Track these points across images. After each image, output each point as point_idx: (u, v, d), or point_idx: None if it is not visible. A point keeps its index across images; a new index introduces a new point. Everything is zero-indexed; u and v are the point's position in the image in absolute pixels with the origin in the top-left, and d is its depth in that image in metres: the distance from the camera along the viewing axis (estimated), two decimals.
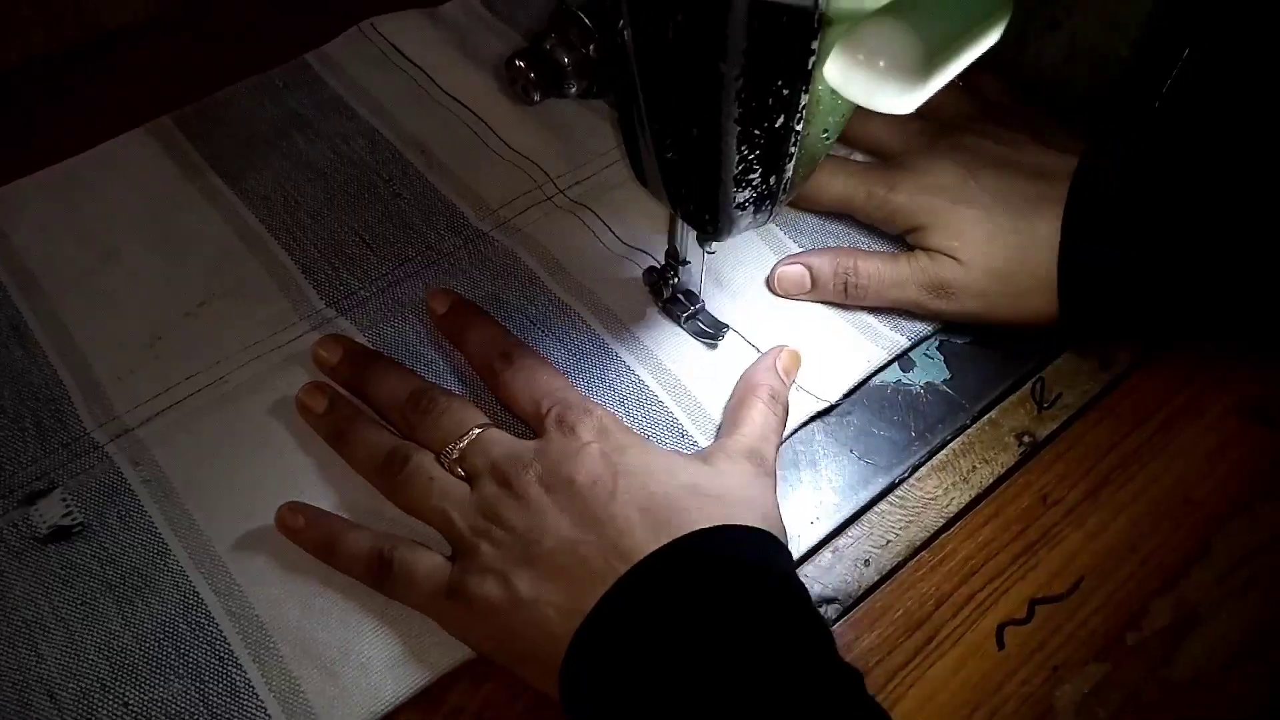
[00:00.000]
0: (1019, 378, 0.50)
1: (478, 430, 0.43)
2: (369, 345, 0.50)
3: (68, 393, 0.48)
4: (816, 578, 0.44)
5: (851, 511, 0.45)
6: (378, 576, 0.41)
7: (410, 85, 0.62)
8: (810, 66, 0.34)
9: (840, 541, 0.45)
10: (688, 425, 0.48)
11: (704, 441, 0.47)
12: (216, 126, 0.60)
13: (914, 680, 0.41)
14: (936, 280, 0.49)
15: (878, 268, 0.50)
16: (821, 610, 0.43)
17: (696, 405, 0.48)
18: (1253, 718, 0.42)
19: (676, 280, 0.50)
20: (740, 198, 0.39)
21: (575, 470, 0.40)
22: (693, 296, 0.51)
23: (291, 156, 0.58)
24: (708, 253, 0.46)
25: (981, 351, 0.51)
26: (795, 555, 0.44)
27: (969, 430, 0.48)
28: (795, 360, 0.48)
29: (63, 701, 0.39)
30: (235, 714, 0.39)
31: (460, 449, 0.43)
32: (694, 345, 0.50)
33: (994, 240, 0.48)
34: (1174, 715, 0.41)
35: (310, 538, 0.42)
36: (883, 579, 0.44)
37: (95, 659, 0.40)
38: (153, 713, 0.39)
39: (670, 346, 0.51)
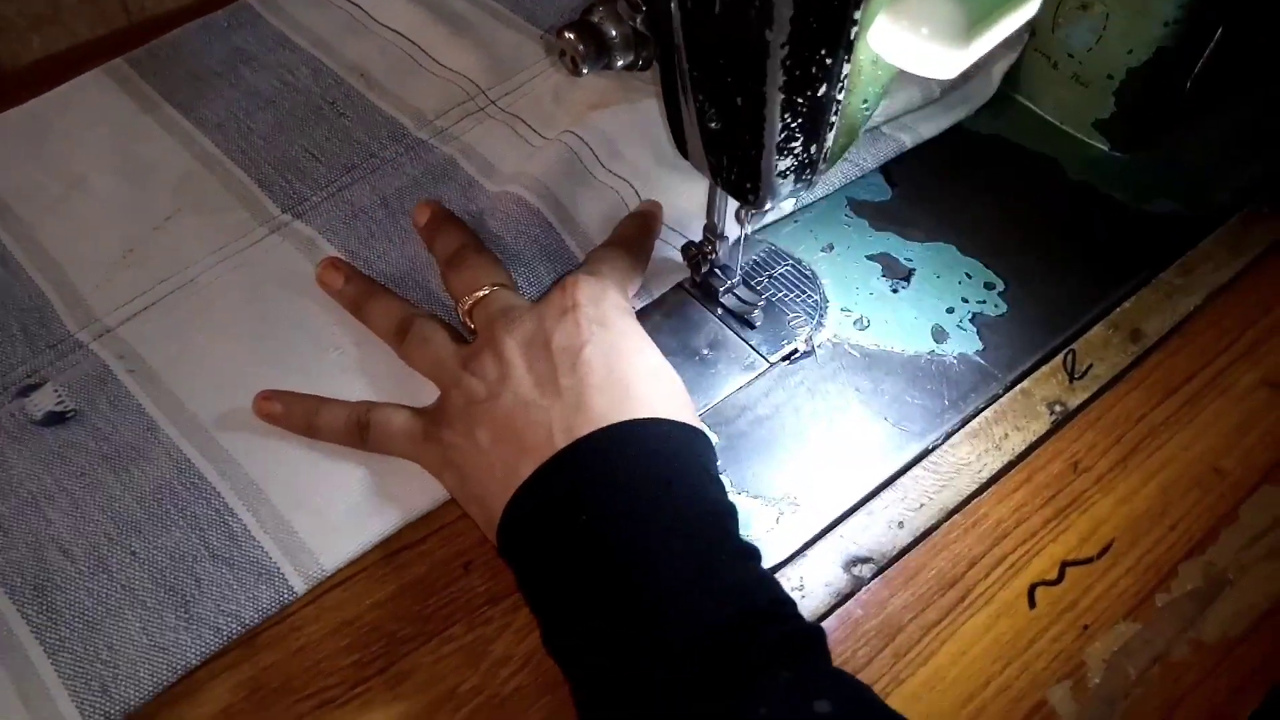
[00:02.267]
0: (1051, 349, 0.51)
1: (490, 288, 0.47)
2: (321, 239, 0.55)
3: (50, 302, 0.52)
4: (851, 538, 0.45)
5: (886, 476, 0.46)
6: (359, 436, 0.45)
7: (347, 19, 0.67)
8: (853, 36, 0.35)
9: (875, 504, 0.46)
10: None
11: None
12: (168, 65, 0.64)
13: (947, 636, 0.42)
14: None
15: None
16: (855, 570, 0.44)
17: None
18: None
19: (715, 255, 0.52)
20: (782, 166, 0.40)
21: (553, 332, 0.43)
22: (729, 271, 0.52)
23: (241, 87, 0.62)
24: (746, 227, 0.48)
25: (1014, 324, 0.52)
26: (831, 517, 0.45)
27: (1001, 399, 0.49)
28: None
29: (74, 555, 0.43)
30: (235, 553, 0.44)
31: (472, 300, 0.47)
32: (609, 210, 0.55)
33: None
34: (1202, 674, 0.42)
35: (291, 419, 0.47)
36: (916, 540, 0.45)
37: (100, 519, 0.45)
38: (157, 557, 0.44)
39: (585, 207, 0.55)
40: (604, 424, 0.40)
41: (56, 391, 0.48)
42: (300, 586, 0.43)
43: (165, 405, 0.48)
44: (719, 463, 0.46)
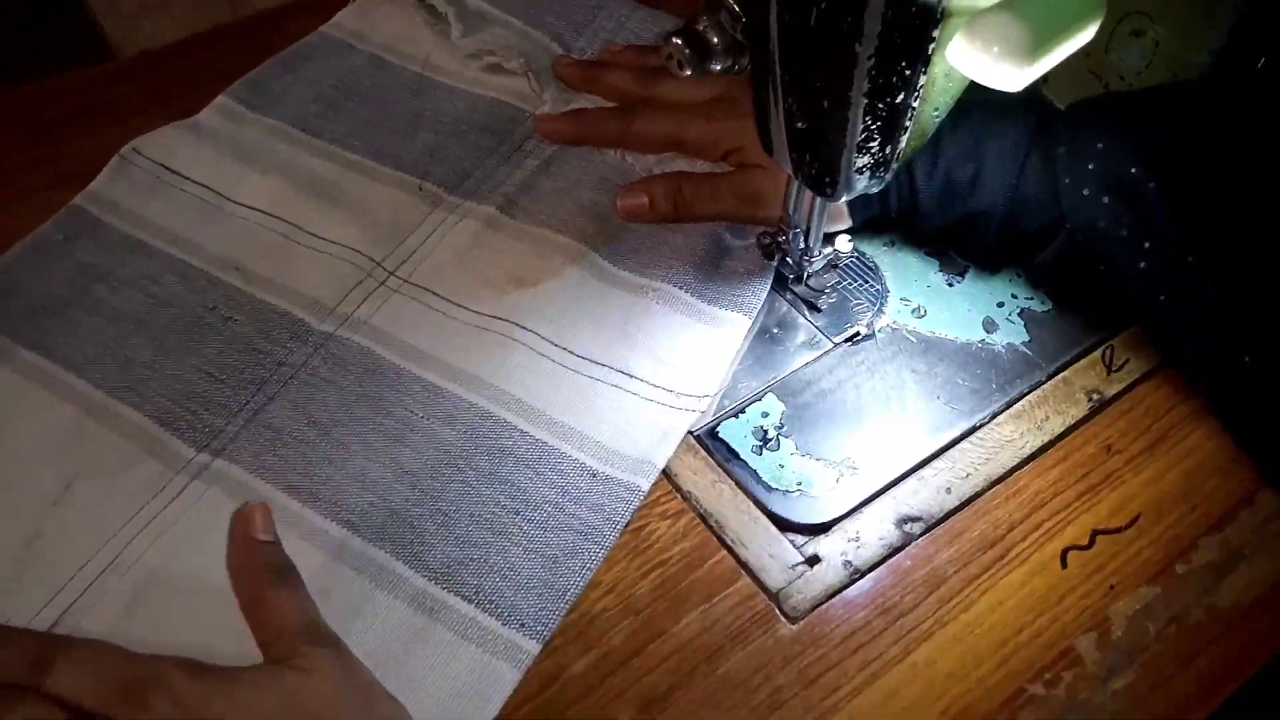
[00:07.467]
0: (1091, 344, 0.56)
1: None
2: (253, 479, 0.47)
3: None
4: (904, 500, 0.50)
5: (937, 447, 0.52)
6: None
7: (199, 205, 0.59)
8: (930, 52, 0.40)
9: (925, 471, 0.51)
10: (597, 466, 0.50)
11: (619, 474, 0.49)
12: (7, 301, 0.54)
13: (986, 589, 0.47)
14: (750, 190, 0.57)
15: (698, 183, 0.58)
16: (906, 527, 0.49)
17: (598, 445, 0.50)
18: None
19: (789, 244, 0.57)
20: (859, 163, 0.46)
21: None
22: (802, 261, 0.57)
23: (101, 312, 0.53)
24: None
25: (1059, 319, 0.57)
26: (885, 480, 0.50)
27: (1044, 386, 0.54)
28: (263, 515, 0.46)
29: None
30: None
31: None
32: (573, 391, 0.52)
33: None
34: (1215, 636, 0.47)
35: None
36: (962, 505, 0.50)
37: None
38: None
39: (557, 400, 0.51)
40: None
41: None
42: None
43: None
44: (784, 428, 0.52)
